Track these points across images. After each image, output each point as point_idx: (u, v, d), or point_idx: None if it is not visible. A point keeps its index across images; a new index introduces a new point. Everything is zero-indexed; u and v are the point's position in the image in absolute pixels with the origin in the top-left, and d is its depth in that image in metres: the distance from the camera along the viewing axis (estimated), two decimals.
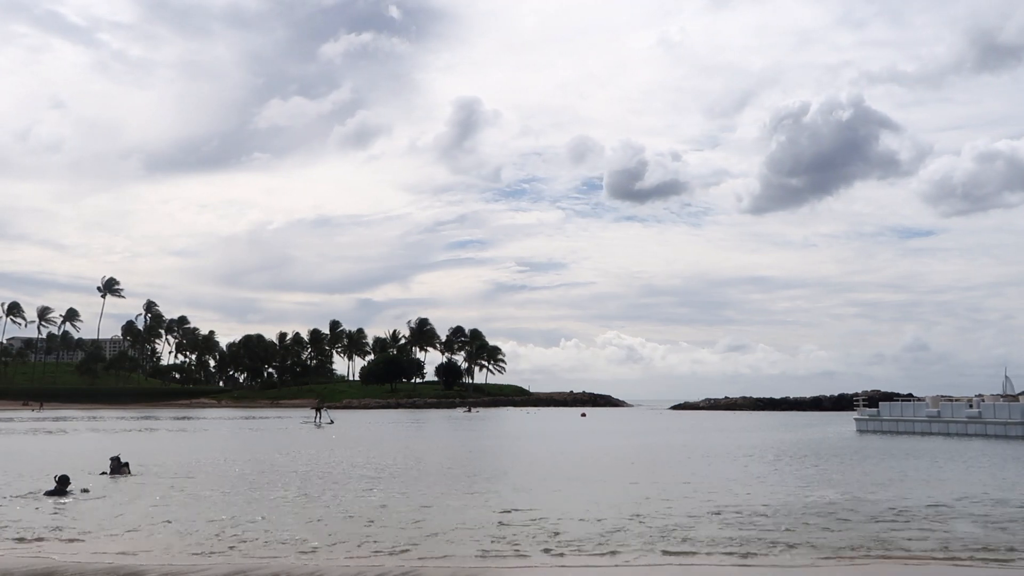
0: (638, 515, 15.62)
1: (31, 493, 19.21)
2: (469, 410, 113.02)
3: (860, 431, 50.21)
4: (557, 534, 13.64)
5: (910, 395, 71.47)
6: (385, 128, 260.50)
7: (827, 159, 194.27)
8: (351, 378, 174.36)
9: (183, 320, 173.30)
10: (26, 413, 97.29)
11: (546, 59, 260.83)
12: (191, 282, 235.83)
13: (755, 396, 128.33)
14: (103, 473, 23.34)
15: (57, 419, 76.46)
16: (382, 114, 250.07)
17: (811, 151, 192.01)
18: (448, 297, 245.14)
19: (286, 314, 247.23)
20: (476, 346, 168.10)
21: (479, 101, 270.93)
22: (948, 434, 43.79)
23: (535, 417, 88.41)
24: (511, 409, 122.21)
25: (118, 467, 23.50)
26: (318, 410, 70.35)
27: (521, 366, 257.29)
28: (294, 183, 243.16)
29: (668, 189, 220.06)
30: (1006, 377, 50.36)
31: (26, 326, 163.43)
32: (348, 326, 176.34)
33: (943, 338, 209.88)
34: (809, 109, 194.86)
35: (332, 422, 65.06)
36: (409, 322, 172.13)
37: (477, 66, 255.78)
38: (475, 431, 55.50)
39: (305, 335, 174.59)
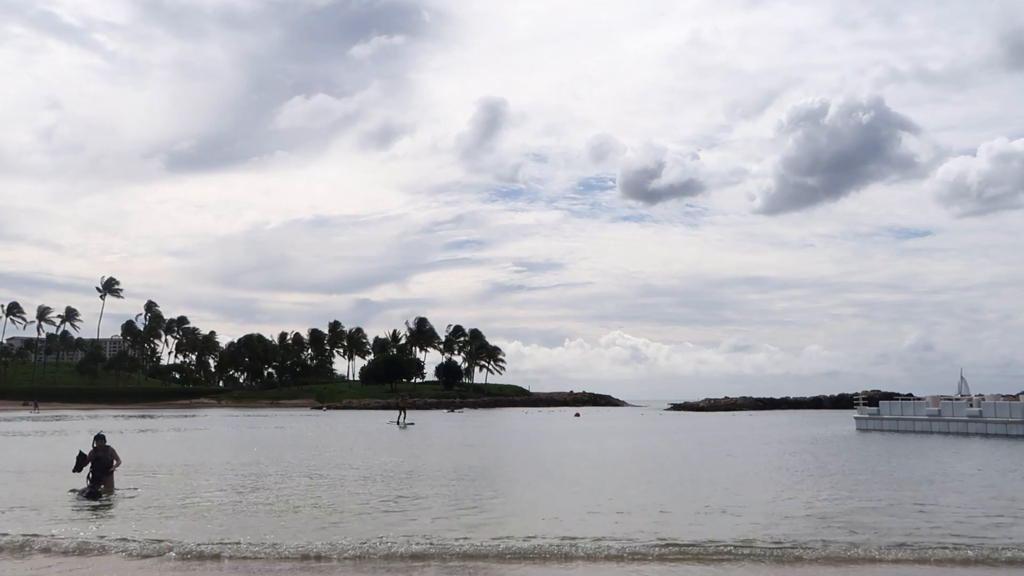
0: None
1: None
2: (452, 410, 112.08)
3: (860, 430, 49.87)
4: None
5: (910, 395, 71.15)
6: (384, 129, 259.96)
7: (845, 159, 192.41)
8: (351, 378, 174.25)
9: (183, 320, 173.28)
10: (23, 413, 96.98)
11: (541, 59, 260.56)
12: (188, 282, 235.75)
13: (757, 396, 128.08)
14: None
15: (54, 419, 76.08)
16: (379, 115, 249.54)
17: (830, 151, 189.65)
18: (446, 297, 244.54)
19: (284, 314, 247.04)
20: (476, 346, 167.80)
21: (502, 101, 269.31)
22: (948, 433, 43.44)
23: (524, 417, 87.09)
24: (500, 410, 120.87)
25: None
26: (402, 410, 68.16)
27: (525, 366, 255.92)
28: (290, 184, 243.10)
29: (683, 189, 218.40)
30: (962, 378, 49.74)
31: (25, 327, 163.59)
32: (347, 326, 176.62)
33: (946, 339, 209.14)
34: (828, 109, 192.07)
35: (413, 423, 62.39)
36: (407, 322, 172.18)
37: (471, 66, 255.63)
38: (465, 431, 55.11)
39: (304, 335, 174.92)
